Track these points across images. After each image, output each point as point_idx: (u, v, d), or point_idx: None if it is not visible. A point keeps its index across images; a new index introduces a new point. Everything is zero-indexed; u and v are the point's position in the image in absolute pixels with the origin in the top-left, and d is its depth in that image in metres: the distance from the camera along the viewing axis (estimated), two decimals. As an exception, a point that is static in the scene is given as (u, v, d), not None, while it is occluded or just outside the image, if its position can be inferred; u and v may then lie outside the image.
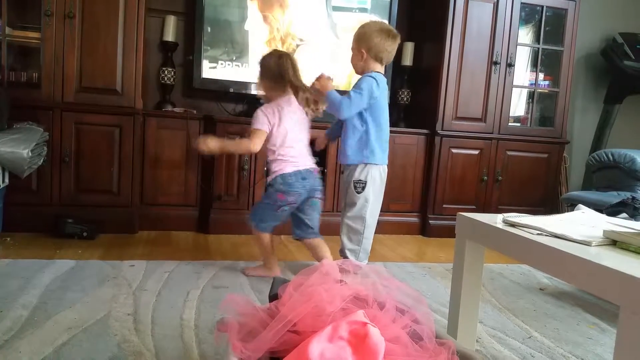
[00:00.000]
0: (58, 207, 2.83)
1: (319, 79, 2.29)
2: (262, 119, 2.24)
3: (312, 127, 3.10)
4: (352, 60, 2.37)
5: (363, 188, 2.33)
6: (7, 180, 2.61)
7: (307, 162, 2.31)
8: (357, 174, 2.32)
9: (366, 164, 2.32)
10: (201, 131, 3.08)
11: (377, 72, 2.31)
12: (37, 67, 2.82)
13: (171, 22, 3.22)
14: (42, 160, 2.65)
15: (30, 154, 2.46)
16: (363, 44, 2.28)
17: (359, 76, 2.36)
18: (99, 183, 2.89)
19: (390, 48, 2.31)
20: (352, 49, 2.35)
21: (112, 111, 2.87)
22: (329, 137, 2.60)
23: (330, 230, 2.69)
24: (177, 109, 3.23)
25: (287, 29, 3.30)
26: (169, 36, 3.23)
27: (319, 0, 3.35)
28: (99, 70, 2.83)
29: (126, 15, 2.84)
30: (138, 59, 2.88)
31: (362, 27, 2.32)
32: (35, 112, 2.75)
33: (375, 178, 2.34)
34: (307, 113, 2.32)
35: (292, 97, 2.30)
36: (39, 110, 2.76)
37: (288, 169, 2.25)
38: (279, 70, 2.25)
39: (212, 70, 3.21)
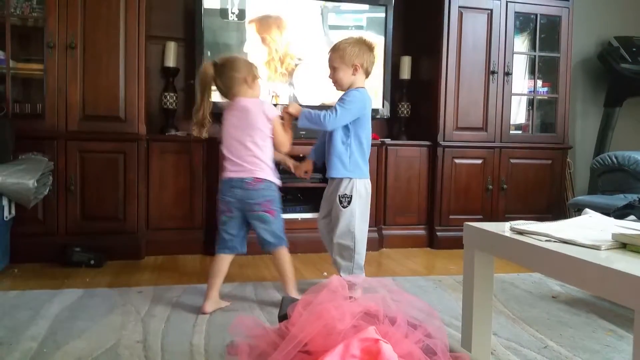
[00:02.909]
0: (64, 236, 2.84)
1: (287, 107, 2.31)
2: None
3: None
4: (338, 76, 2.31)
5: (349, 202, 2.31)
6: (13, 212, 2.63)
7: (242, 170, 2.16)
8: (343, 189, 2.31)
9: (351, 178, 2.32)
10: (205, 154, 3.10)
11: (362, 87, 2.33)
12: (41, 98, 2.86)
13: (171, 48, 3.26)
14: (47, 190, 2.67)
15: (36, 184, 2.48)
16: (356, 59, 2.28)
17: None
18: (105, 210, 2.90)
19: (374, 60, 2.37)
20: (338, 65, 2.30)
21: (116, 138, 2.89)
22: (314, 158, 2.54)
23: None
24: (180, 133, 3.25)
25: (286, 49, 3.33)
26: (170, 62, 3.26)
27: (316, 19, 3.39)
28: (101, 98, 2.86)
29: (127, 44, 2.88)
30: (140, 86, 2.92)
31: (349, 44, 2.29)
32: (40, 142, 2.78)
33: (360, 191, 2.33)
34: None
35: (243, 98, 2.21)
36: (44, 141, 2.79)
37: (224, 175, 2.19)
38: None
39: (214, 92, 3.21)
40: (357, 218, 2.32)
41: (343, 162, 2.31)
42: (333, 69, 2.32)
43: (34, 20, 2.87)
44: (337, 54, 2.30)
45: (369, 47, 2.32)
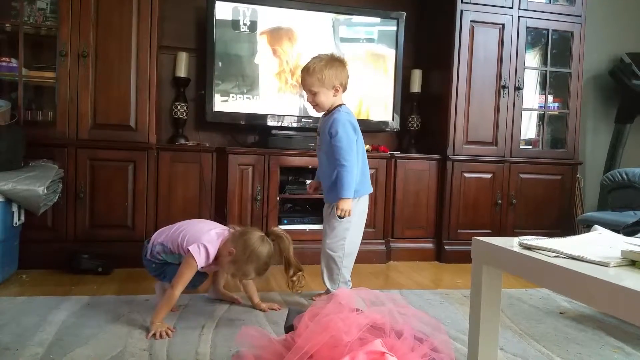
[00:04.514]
0: (73, 243, 2.85)
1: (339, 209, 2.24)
2: None
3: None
4: (320, 100, 2.28)
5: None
6: (22, 218, 2.65)
7: None
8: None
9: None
10: (214, 163, 3.11)
11: (342, 104, 2.33)
12: (52, 106, 2.89)
13: (183, 58, 3.29)
14: (57, 197, 2.69)
15: (45, 191, 2.50)
16: (336, 80, 2.26)
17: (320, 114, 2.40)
18: (114, 218, 2.92)
19: (349, 74, 2.34)
20: (318, 90, 2.26)
21: (126, 147, 2.92)
22: (320, 180, 2.52)
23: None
24: (190, 143, 3.27)
25: (297, 61, 3.35)
26: (181, 72, 3.29)
27: (327, 32, 3.41)
28: (112, 107, 2.89)
29: (138, 53, 2.91)
30: (151, 95, 2.94)
31: (324, 65, 2.25)
32: (51, 149, 2.81)
33: (359, 206, 2.35)
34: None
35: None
36: (54, 148, 2.82)
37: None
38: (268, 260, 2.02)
39: (224, 103, 3.26)
40: (350, 231, 2.33)
41: (334, 190, 2.30)
42: (313, 93, 2.27)
43: (47, 29, 2.91)
44: (315, 77, 2.24)
45: (342, 63, 2.30)
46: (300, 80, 2.36)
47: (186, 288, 2.03)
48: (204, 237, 2.02)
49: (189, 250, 1.98)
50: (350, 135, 2.25)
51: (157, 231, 2.23)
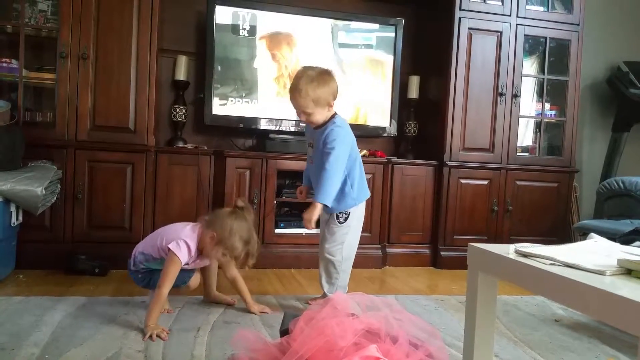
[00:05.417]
0: (71, 243, 2.85)
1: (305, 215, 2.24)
2: None
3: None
4: (315, 119, 2.23)
5: (345, 219, 2.32)
6: (20, 218, 2.65)
7: None
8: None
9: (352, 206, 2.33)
10: (212, 166, 3.12)
11: (334, 113, 2.29)
12: (52, 107, 2.89)
13: (182, 61, 3.30)
14: (55, 198, 2.69)
15: (44, 191, 2.50)
16: (330, 97, 2.21)
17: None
18: (112, 219, 2.92)
19: (337, 84, 2.28)
20: (312, 110, 2.19)
21: (125, 149, 2.92)
22: (307, 184, 2.49)
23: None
24: (188, 145, 3.28)
25: (295, 66, 3.36)
26: (181, 75, 3.30)
27: (325, 37, 3.43)
28: (112, 109, 2.90)
29: (139, 56, 2.92)
30: (150, 98, 2.95)
31: (315, 84, 2.16)
32: (50, 150, 2.81)
33: (357, 212, 2.35)
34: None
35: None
36: (53, 149, 2.82)
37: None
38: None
39: (222, 107, 3.27)
40: (349, 236, 2.34)
41: (342, 197, 2.30)
42: (307, 114, 2.21)
43: (48, 31, 2.92)
44: (308, 99, 2.16)
45: (331, 76, 2.24)
46: (290, 99, 2.27)
47: (176, 286, 2.07)
48: (181, 234, 2.07)
49: (169, 249, 2.02)
50: (343, 150, 2.22)
51: (137, 245, 2.26)
